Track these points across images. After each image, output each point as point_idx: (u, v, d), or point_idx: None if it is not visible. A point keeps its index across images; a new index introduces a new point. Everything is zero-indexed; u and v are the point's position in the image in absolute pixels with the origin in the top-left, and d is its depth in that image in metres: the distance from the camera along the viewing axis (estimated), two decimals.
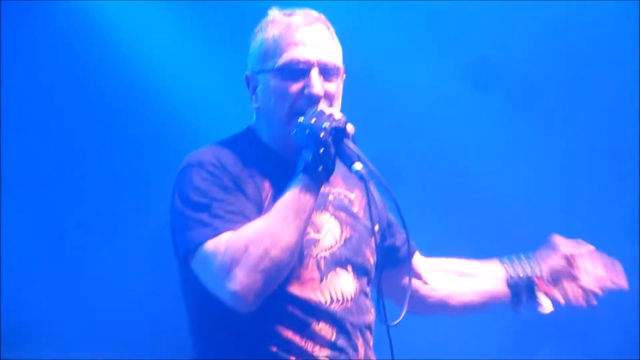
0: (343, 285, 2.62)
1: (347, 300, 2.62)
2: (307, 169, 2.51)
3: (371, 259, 2.71)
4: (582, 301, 2.88)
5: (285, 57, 2.63)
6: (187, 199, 2.55)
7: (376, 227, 2.75)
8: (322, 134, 2.51)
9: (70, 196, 4.78)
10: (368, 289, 2.72)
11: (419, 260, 3.02)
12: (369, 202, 2.65)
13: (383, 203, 2.85)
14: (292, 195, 2.50)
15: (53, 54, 4.76)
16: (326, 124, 2.52)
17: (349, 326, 2.60)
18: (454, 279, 3.08)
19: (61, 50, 4.76)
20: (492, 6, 4.78)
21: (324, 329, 2.57)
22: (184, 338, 2.60)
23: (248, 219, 2.51)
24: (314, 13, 2.70)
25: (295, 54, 2.63)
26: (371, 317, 2.67)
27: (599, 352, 4.66)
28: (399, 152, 4.76)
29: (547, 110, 4.85)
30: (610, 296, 4.73)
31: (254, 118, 2.73)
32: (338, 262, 2.63)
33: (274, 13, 2.71)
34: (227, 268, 2.44)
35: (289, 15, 2.69)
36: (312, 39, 2.67)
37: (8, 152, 4.68)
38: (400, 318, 2.63)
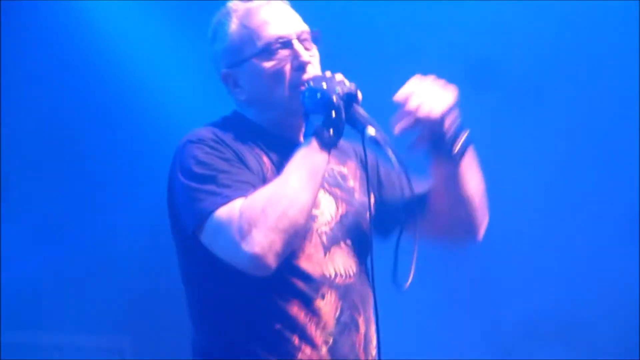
0: (345, 260, 2.61)
1: (350, 275, 2.61)
2: (319, 132, 2.50)
3: (369, 233, 2.70)
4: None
5: (264, 38, 2.63)
6: (192, 172, 2.51)
7: (372, 199, 2.72)
8: (334, 98, 2.50)
9: (71, 195, 4.78)
10: (367, 266, 2.70)
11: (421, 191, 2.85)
12: (366, 165, 2.63)
13: (375, 160, 2.80)
14: (305, 157, 2.49)
15: (50, 52, 4.76)
16: (338, 89, 2.52)
17: (350, 302, 2.59)
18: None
19: (57, 49, 4.76)
20: (492, 6, 4.78)
21: (327, 304, 2.55)
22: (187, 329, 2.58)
23: (255, 188, 2.48)
24: None
25: (272, 30, 2.64)
26: (370, 294, 2.64)
27: (599, 352, 4.66)
28: (398, 152, 4.75)
29: (547, 110, 4.85)
30: (610, 296, 4.74)
31: (239, 110, 2.72)
32: (338, 237, 2.62)
33: (232, 4, 2.71)
34: (245, 231, 2.40)
35: (246, 0, 2.70)
36: (280, 15, 2.67)
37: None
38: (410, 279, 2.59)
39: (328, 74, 2.58)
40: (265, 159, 2.60)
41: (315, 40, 2.69)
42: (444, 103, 2.73)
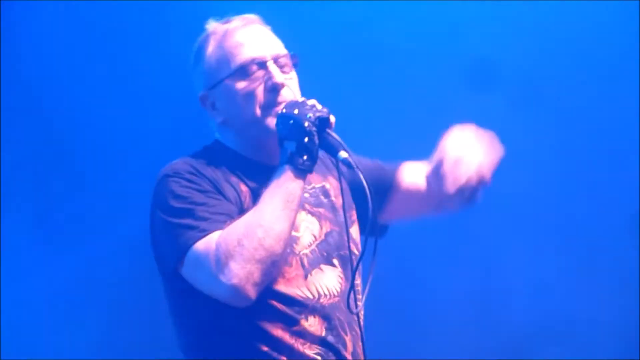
0: (328, 281, 2.62)
1: (334, 295, 2.62)
2: (292, 159, 2.52)
3: (356, 250, 2.71)
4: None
5: (238, 59, 2.66)
6: (169, 207, 2.54)
7: (353, 215, 2.76)
8: (306, 124, 2.51)
9: (71, 194, 4.77)
10: (357, 282, 2.71)
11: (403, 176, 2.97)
12: (341, 189, 2.66)
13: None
14: (279, 186, 2.50)
15: (53, 52, 4.76)
16: (310, 114, 2.53)
17: (336, 321, 2.60)
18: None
19: (62, 49, 4.76)
20: (492, 6, 4.77)
21: (312, 325, 2.57)
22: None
23: (233, 219, 2.51)
24: (250, 15, 2.74)
25: (247, 52, 2.67)
26: (360, 312, 2.67)
27: (599, 352, 4.65)
28: (398, 152, 4.74)
29: (547, 110, 4.85)
30: (610, 296, 4.74)
31: (217, 135, 2.74)
32: (321, 258, 2.63)
33: (211, 26, 2.74)
34: (223, 263, 2.42)
35: (226, 22, 2.72)
36: (256, 37, 2.70)
37: None
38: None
39: (300, 99, 2.60)
40: (243, 187, 2.62)
41: (293, 63, 2.71)
42: (493, 163, 2.78)
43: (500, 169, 4.84)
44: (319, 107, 2.57)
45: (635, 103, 4.73)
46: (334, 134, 2.56)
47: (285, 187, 2.49)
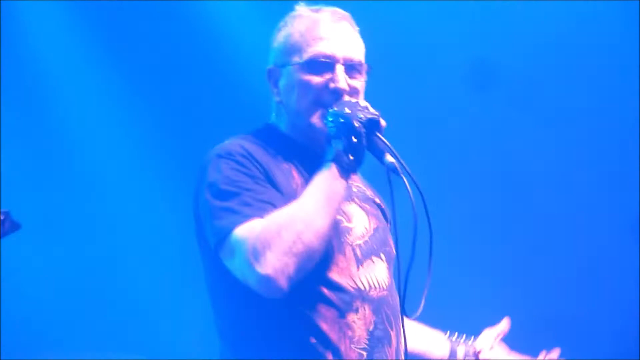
0: (378, 273, 2.62)
1: (383, 288, 2.61)
2: (338, 157, 2.51)
3: (393, 250, 2.71)
4: None
5: (311, 51, 2.65)
6: (216, 189, 2.53)
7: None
8: (357, 124, 2.51)
9: (72, 194, 4.77)
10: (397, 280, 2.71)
11: None
12: (392, 196, 2.63)
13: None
14: (323, 182, 2.49)
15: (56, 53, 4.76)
16: (362, 115, 2.53)
17: (384, 315, 2.59)
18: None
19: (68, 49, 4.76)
20: (491, 6, 4.78)
21: (361, 319, 2.55)
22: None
23: (277, 208, 2.49)
24: (341, 11, 2.73)
25: (321, 48, 2.65)
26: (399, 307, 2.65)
27: (599, 352, 4.65)
28: (398, 152, 4.75)
29: (547, 110, 4.85)
30: (610, 296, 4.74)
31: (273, 114, 2.73)
32: (372, 250, 2.63)
33: (301, 9, 2.73)
34: (259, 252, 2.40)
35: (316, 11, 2.71)
36: (339, 35, 2.69)
37: None
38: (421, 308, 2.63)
39: (353, 100, 2.60)
40: (295, 172, 2.61)
41: (365, 71, 2.71)
42: None
43: (500, 169, 4.85)
44: (371, 109, 2.56)
45: (636, 103, 4.73)
46: (383, 138, 2.56)
47: (329, 184, 2.48)
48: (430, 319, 4.77)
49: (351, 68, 2.67)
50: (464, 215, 4.81)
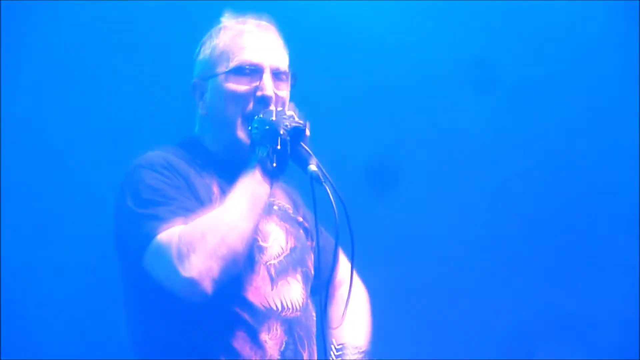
0: (293, 294, 2.62)
1: (297, 309, 2.61)
2: (262, 162, 2.52)
3: (312, 270, 2.71)
4: None
5: (237, 60, 2.66)
6: (139, 197, 2.54)
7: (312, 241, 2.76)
8: (282, 132, 2.52)
9: (72, 194, 4.77)
10: (311, 299, 2.71)
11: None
12: (315, 206, 2.62)
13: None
14: (246, 187, 2.50)
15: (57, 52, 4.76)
16: (287, 123, 2.54)
17: (296, 336, 2.60)
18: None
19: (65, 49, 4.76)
20: (491, 6, 4.77)
21: (273, 339, 2.56)
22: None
23: (198, 216, 2.49)
24: (266, 22, 2.74)
25: (247, 56, 2.66)
26: (314, 328, 2.67)
27: (599, 352, 4.65)
28: (397, 152, 4.75)
29: (546, 110, 4.85)
30: (610, 296, 4.74)
31: (197, 127, 2.74)
32: (287, 270, 2.62)
33: (226, 21, 2.73)
34: (184, 255, 2.40)
35: (241, 22, 2.71)
36: (264, 45, 2.70)
37: None
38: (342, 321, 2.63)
39: (279, 108, 2.60)
40: (215, 188, 2.62)
41: (291, 82, 2.71)
42: None
43: (500, 169, 4.85)
44: (297, 118, 2.57)
45: (636, 103, 4.73)
46: (306, 147, 2.56)
47: (252, 189, 2.49)
48: (431, 319, 4.79)
49: (277, 77, 2.67)
50: (464, 215, 4.81)
